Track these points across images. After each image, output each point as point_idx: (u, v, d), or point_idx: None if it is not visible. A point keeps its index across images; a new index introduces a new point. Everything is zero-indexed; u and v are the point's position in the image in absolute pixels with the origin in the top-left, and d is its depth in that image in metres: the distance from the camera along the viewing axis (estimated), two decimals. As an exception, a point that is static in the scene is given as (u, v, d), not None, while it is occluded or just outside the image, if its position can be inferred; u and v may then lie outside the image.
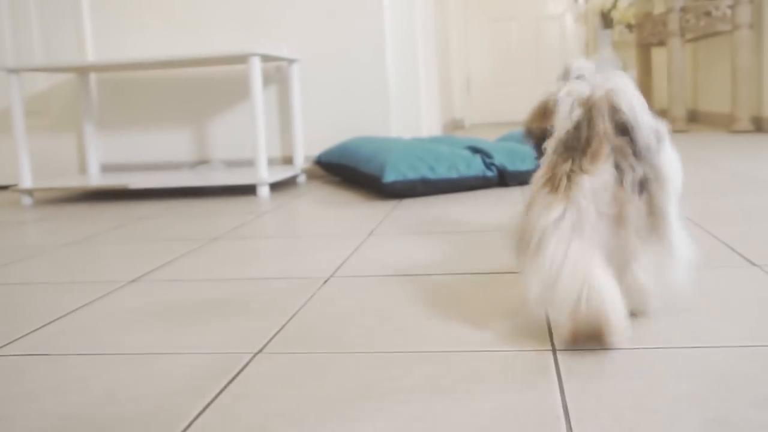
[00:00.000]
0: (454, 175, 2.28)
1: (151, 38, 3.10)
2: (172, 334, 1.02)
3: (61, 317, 1.13)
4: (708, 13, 4.07)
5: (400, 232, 1.69)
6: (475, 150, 2.42)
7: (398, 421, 0.70)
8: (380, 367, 0.84)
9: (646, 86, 5.12)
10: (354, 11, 2.95)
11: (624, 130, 0.87)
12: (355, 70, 2.97)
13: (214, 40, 3.05)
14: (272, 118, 3.05)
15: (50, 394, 0.82)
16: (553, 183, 0.87)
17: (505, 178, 2.36)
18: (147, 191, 2.82)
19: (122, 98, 3.16)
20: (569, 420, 0.68)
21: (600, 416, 0.69)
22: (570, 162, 0.87)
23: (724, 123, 4.50)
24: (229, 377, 0.84)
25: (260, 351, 0.93)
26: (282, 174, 2.64)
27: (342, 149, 2.66)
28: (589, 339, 0.85)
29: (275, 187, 2.74)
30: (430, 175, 2.24)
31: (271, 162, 3.05)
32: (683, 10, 4.19)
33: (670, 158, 0.92)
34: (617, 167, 0.86)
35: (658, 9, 5.05)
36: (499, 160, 2.37)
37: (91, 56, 3.13)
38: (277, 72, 3.03)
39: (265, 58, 2.64)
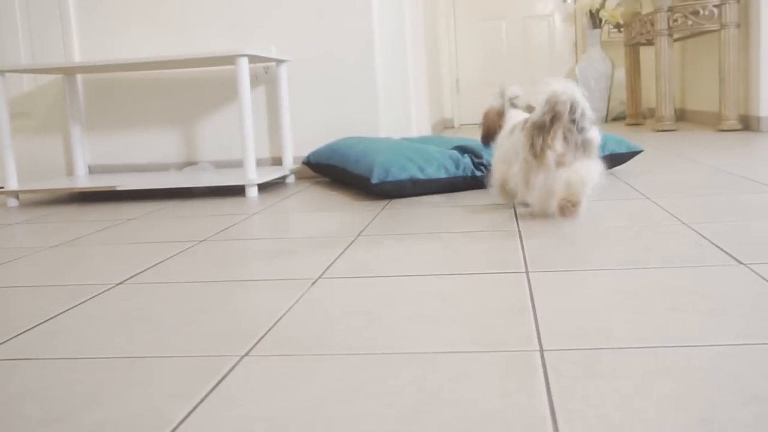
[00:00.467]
0: (443, 175, 2.27)
1: (138, 39, 3.08)
2: (158, 337, 1.01)
3: (46, 321, 1.12)
4: (695, 13, 4.09)
5: (388, 233, 1.69)
6: (464, 150, 2.42)
7: (386, 423, 0.70)
8: (368, 369, 0.84)
9: (634, 85, 5.14)
10: (342, 11, 2.94)
11: (573, 119, 1.57)
12: (344, 70, 2.97)
13: (201, 41, 3.04)
14: (260, 119, 3.04)
15: (34, 398, 0.82)
16: (534, 151, 1.59)
17: None
18: (135, 193, 2.80)
19: (109, 99, 3.14)
20: (556, 420, 0.68)
21: (587, 416, 0.68)
22: (541, 138, 1.57)
23: (712, 122, 4.52)
24: (216, 380, 0.84)
25: (247, 354, 0.92)
26: (270, 175, 2.63)
27: (331, 150, 2.65)
28: (569, 207, 1.55)
29: (264, 188, 2.73)
30: (420, 176, 2.24)
31: (260, 163, 3.04)
32: (671, 9, 4.21)
33: (595, 133, 1.60)
34: (565, 139, 1.57)
35: (646, 9, 5.07)
36: (488, 159, 2.37)
37: (78, 57, 3.11)
38: (266, 72, 3.02)
39: (253, 59, 2.63)
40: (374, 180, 2.19)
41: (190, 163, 3.12)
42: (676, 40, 4.95)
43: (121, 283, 1.35)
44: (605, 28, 6.01)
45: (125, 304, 1.20)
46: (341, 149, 2.58)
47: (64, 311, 1.17)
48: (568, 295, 1.10)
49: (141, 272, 1.43)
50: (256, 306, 1.14)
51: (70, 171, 3.19)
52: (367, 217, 1.92)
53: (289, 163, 2.91)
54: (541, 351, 0.86)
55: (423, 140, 2.77)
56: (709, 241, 1.39)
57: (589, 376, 0.78)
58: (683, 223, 1.57)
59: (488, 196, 2.18)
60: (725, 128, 4.00)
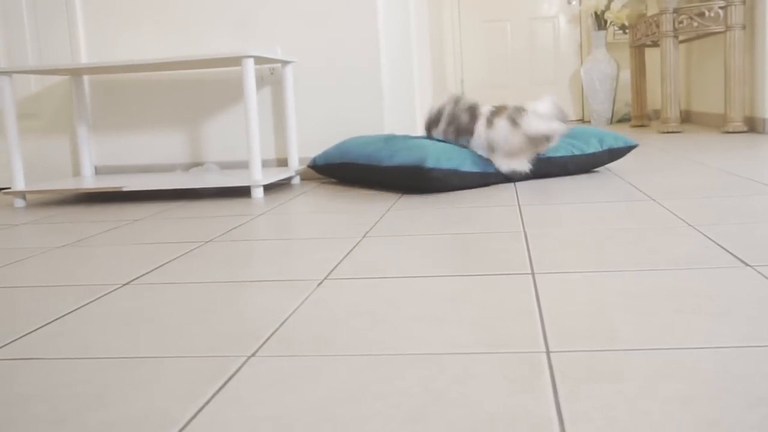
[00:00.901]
0: (477, 169, 2.37)
1: (144, 40, 3.09)
2: (165, 337, 1.02)
3: (52, 321, 1.13)
4: (701, 14, 4.08)
5: (394, 233, 1.69)
6: None
7: (391, 424, 0.70)
8: (373, 370, 0.84)
9: (639, 87, 5.14)
10: (348, 12, 2.94)
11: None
12: (350, 71, 2.97)
13: (207, 42, 3.05)
14: (266, 120, 3.04)
15: (41, 398, 0.82)
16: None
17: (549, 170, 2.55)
18: (141, 193, 2.81)
19: (116, 100, 3.15)
20: (562, 422, 0.68)
21: (593, 418, 0.69)
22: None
23: (717, 123, 4.51)
24: (222, 381, 0.84)
25: (253, 354, 0.92)
26: (276, 176, 2.64)
27: (341, 150, 2.66)
28: (539, 143, 2.37)
29: (269, 189, 2.74)
30: (462, 168, 2.34)
31: (266, 164, 3.05)
32: (676, 11, 4.20)
33: (530, 120, 2.35)
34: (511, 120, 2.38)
35: (652, 10, 5.06)
36: None
37: (84, 58, 3.12)
38: (271, 74, 3.03)
39: (259, 60, 2.63)
40: (429, 165, 2.27)
41: (196, 164, 3.13)
42: (681, 41, 4.94)
43: (127, 283, 1.35)
44: (610, 29, 6.00)
45: (131, 304, 1.20)
46: (356, 148, 2.59)
47: (71, 312, 1.18)
48: (574, 296, 1.10)
49: (147, 273, 1.43)
50: (262, 307, 1.14)
51: (76, 172, 3.20)
52: (373, 217, 1.92)
53: (295, 164, 2.92)
54: (548, 352, 0.86)
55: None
56: (715, 242, 1.39)
57: (595, 378, 0.78)
58: (689, 224, 1.57)
59: (490, 199, 2.18)
60: (730, 130, 3.99)
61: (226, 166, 3.10)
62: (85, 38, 3.12)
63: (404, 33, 3.39)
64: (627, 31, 5.79)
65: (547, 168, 2.51)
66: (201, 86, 3.09)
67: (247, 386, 0.82)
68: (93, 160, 3.16)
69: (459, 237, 1.60)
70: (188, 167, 3.13)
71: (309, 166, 2.81)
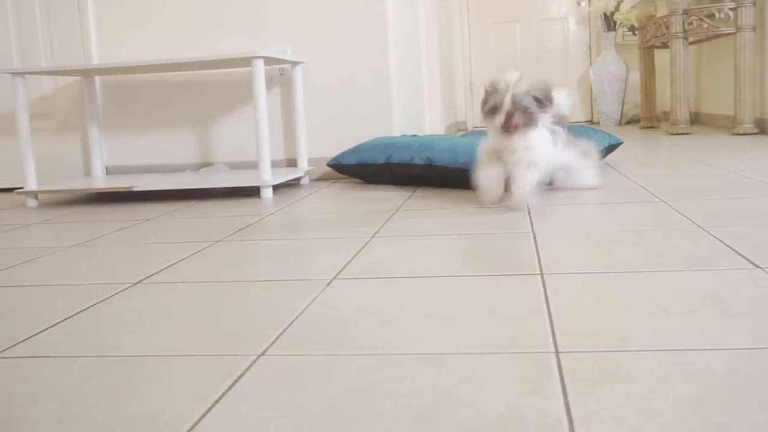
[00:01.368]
0: None
1: (155, 41, 3.10)
2: (175, 336, 1.02)
3: (64, 320, 1.14)
4: (711, 16, 4.07)
5: (403, 233, 1.69)
6: None
7: (401, 423, 0.70)
8: (382, 370, 0.84)
9: (649, 88, 5.12)
10: (357, 14, 2.95)
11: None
12: (359, 72, 2.98)
13: (218, 43, 3.06)
14: (275, 121, 3.05)
15: (52, 396, 0.83)
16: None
17: None
18: (151, 193, 2.82)
19: (127, 101, 3.17)
20: (572, 422, 0.68)
21: (603, 419, 0.69)
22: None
23: (727, 125, 4.49)
24: (232, 380, 0.84)
25: (263, 353, 0.93)
26: (285, 176, 2.65)
27: (378, 148, 2.64)
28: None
29: (279, 189, 2.74)
30: None
31: (275, 164, 3.06)
32: (686, 12, 4.19)
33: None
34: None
35: (661, 11, 5.04)
36: None
37: (96, 59, 3.14)
38: (281, 74, 3.03)
39: (269, 61, 2.64)
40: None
41: (206, 164, 3.14)
42: (691, 43, 4.92)
43: (138, 282, 1.36)
44: (619, 30, 5.99)
45: (142, 303, 1.21)
46: (400, 145, 2.59)
47: (82, 310, 1.19)
48: (583, 297, 1.09)
49: (157, 272, 1.44)
50: (272, 306, 1.14)
51: (87, 172, 3.22)
52: (382, 217, 1.92)
53: (304, 164, 2.93)
54: (557, 353, 0.86)
55: (465, 137, 2.82)
56: (725, 244, 1.38)
57: (604, 379, 0.78)
58: (699, 226, 1.57)
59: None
60: (740, 132, 3.98)
61: (235, 166, 3.11)
62: (96, 39, 3.14)
63: (413, 34, 3.40)
64: (636, 32, 5.78)
65: None
66: (211, 87, 3.10)
67: (257, 385, 0.82)
68: (104, 160, 3.18)
69: (469, 237, 1.60)
70: (198, 167, 3.14)
71: (329, 165, 2.77)
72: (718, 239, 1.43)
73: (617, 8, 5.70)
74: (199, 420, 0.74)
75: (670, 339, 0.89)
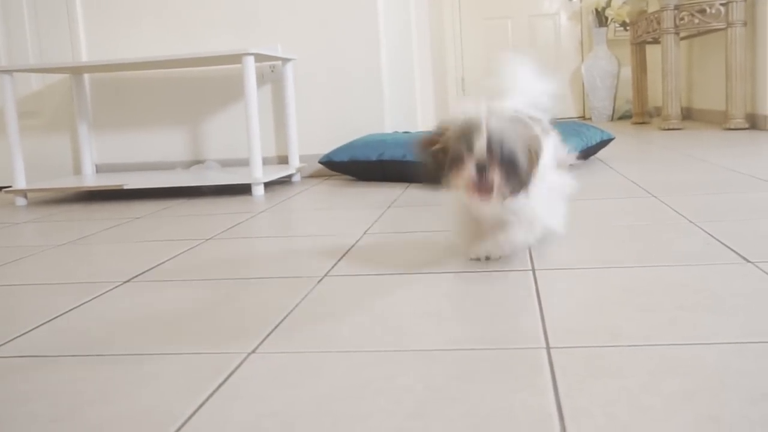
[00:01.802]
0: None
1: (145, 38, 3.09)
2: (165, 334, 1.01)
3: (53, 318, 1.13)
4: (702, 11, 4.07)
5: (394, 230, 1.69)
6: None
7: (392, 420, 0.70)
8: (374, 366, 0.84)
9: (640, 84, 5.13)
10: (348, 10, 2.94)
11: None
12: (350, 69, 2.97)
13: (208, 40, 3.05)
14: (267, 118, 3.04)
15: (42, 395, 0.82)
16: None
17: None
18: (142, 191, 2.81)
19: (116, 98, 3.15)
20: (563, 417, 0.68)
21: (593, 414, 0.68)
22: None
23: (719, 120, 4.50)
24: (223, 377, 0.84)
25: (253, 351, 0.92)
26: (277, 173, 2.64)
27: (370, 145, 2.63)
28: None
29: (270, 186, 2.73)
30: None
31: (266, 162, 3.05)
32: (677, 8, 4.19)
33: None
34: None
35: (653, 7, 5.05)
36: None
37: (85, 56, 3.12)
38: (272, 71, 3.02)
39: (260, 58, 2.63)
40: None
41: (197, 162, 3.13)
42: (682, 38, 4.93)
43: (128, 280, 1.35)
44: (611, 26, 5.99)
45: (132, 301, 1.20)
46: (392, 142, 2.58)
47: (72, 309, 1.18)
48: (574, 292, 1.09)
49: (148, 270, 1.43)
50: (263, 303, 1.14)
51: (77, 170, 3.20)
52: (374, 215, 1.92)
53: (296, 161, 2.92)
54: (548, 348, 0.86)
55: None
56: (716, 239, 1.38)
57: (595, 374, 0.78)
58: (690, 221, 1.57)
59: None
60: (732, 127, 3.99)
61: (226, 163, 3.10)
62: (85, 36, 3.12)
63: (405, 31, 3.39)
64: (628, 28, 5.78)
65: None
66: (202, 84, 3.09)
67: (248, 383, 0.82)
68: (94, 158, 3.16)
69: (460, 234, 1.59)
70: (189, 165, 3.13)
71: (321, 162, 2.76)
72: (709, 234, 1.43)
73: (609, 4, 5.71)
74: (190, 418, 0.73)
75: (661, 334, 0.89)
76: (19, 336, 1.05)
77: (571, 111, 6.23)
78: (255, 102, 2.48)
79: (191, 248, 1.63)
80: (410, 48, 3.45)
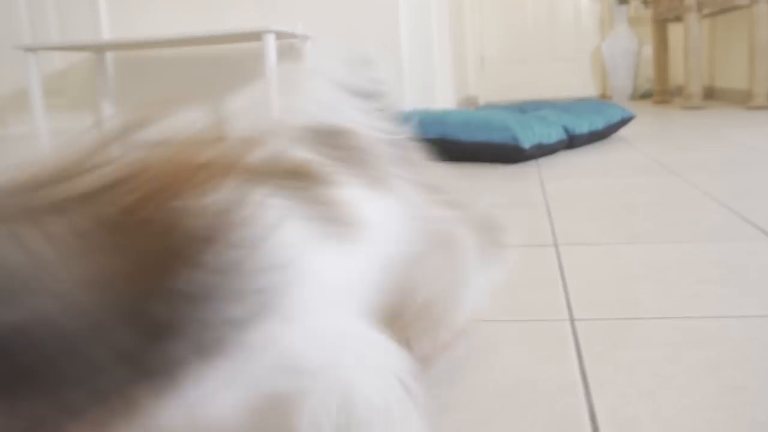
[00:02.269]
0: (553, 140, 2.38)
1: (166, 16, 3.10)
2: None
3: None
4: (726, -12, 4.01)
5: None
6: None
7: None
8: (400, 337, 0.86)
9: (662, 63, 5.07)
10: (368, -12, 2.93)
11: None
12: (369, 46, 2.96)
13: (229, 18, 3.05)
14: (287, 96, 3.05)
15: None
16: None
17: (573, 142, 2.53)
18: (163, 169, 2.83)
19: (139, 77, 3.17)
20: (587, 385, 0.69)
21: (618, 383, 0.70)
22: None
23: (741, 99, 4.45)
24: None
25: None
26: (297, 151, 2.65)
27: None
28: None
29: (290, 164, 2.74)
30: (545, 140, 2.34)
31: (286, 140, 3.06)
32: (701, -16, 4.13)
33: None
34: None
35: (675, -16, 4.97)
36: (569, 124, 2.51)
37: (107, 35, 3.14)
38: (291, 49, 3.03)
39: (280, 35, 2.63)
40: (525, 145, 2.27)
41: (217, 140, 3.15)
42: (705, 16, 4.86)
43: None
44: (633, 4, 5.92)
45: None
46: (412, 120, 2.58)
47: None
48: (597, 267, 1.10)
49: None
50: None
51: (99, 148, 3.23)
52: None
53: (315, 140, 2.93)
54: (572, 320, 0.87)
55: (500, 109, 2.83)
56: (740, 215, 1.38)
57: (619, 345, 0.79)
58: (712, 198, 1.57)
59: (517, 175, 2.18)
60: (755, 106, 3.94)
61: (247, 142, 3.11)
62: (107, 14, 3.14)
63: (424, 8, 3.37)
64: (649, 5, 5.71)
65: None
66: (222, 62, 3.10)
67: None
68: (116, 136, 3.19)
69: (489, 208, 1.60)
70: (210, 143, 3.15)
71: None
72: (732, 210, 1.43)
73: (630, -19, 5.64)
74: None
75: (684, 307, 0.90)
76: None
77: (591, 90, 6.18)
78: (275, 80, 2.48)
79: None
80: (429, 25, 3.44)
